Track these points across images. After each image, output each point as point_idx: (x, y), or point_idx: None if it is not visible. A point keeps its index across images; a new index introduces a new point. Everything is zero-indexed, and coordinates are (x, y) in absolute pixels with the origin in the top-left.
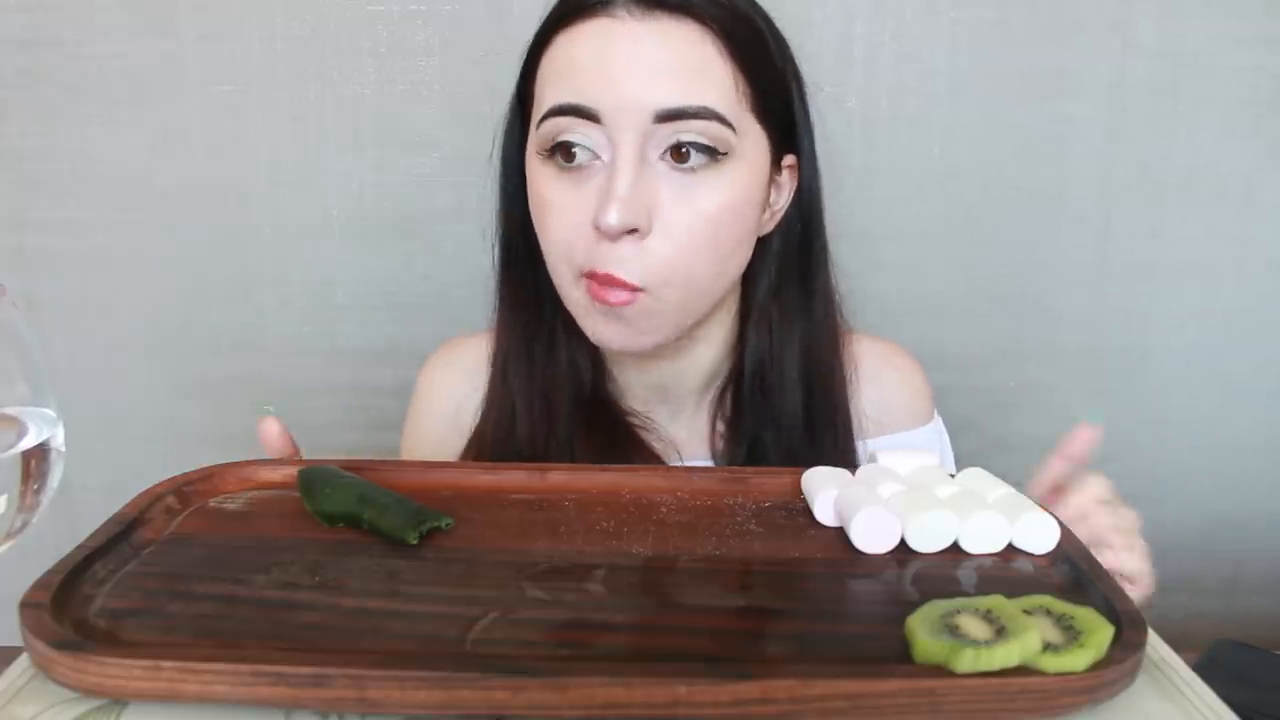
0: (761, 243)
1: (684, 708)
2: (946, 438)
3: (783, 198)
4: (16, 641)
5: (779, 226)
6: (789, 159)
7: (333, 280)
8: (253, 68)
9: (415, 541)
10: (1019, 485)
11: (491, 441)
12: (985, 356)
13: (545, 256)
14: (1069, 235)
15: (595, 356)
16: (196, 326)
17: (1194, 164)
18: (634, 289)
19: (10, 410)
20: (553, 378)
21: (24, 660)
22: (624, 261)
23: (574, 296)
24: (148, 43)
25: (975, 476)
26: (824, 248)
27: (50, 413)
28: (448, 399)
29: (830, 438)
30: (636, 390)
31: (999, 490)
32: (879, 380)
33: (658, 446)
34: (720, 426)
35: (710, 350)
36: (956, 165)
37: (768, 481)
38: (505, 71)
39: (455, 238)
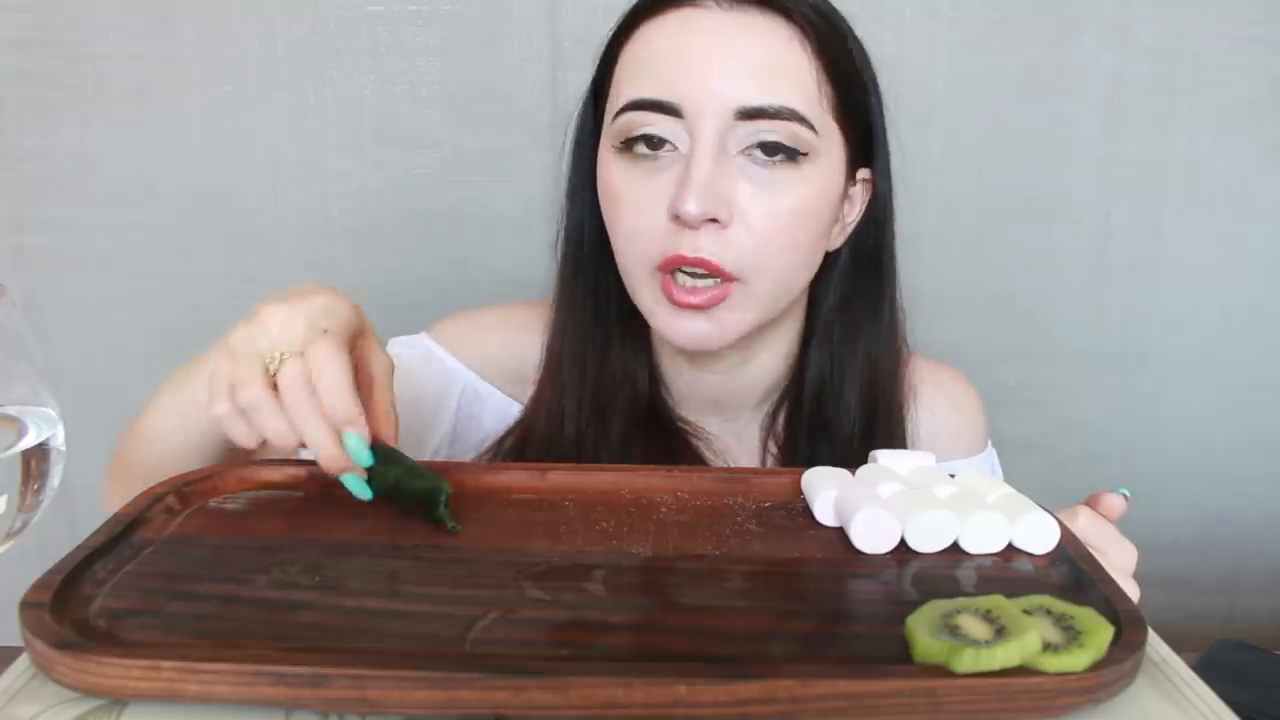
0: (829, 257)
1: (684, 708)
2: (999, 471)
3: (854, 211)
4: (16, 641)
5: (849, 241)
6: (863, 172)
7: (333, 280)
8: (253, 68)
9: (443, 511)
10: (1019, 485)
11: (541, 437)
12: (984, 356)
13: (618, 251)
14: (1068, 235)
15: (651, 364)
16: (196, 326)
17: (1193, 164)
18: (728, 277)
19: (10, 410)
20: (606, 382)
21: (24, 660)
22: (710, 250)
23: (646, 294)
24: (148, 43)
25: (975, 476)
26: (893, 266)
27: (50, 413)
28: (522, 338)
29: None
30: (690, 402)
31: (999, 490)
32: (932, 407)
33: (711, 458)
34: (772, 445)
35: (769, 365)
36: (956, 165)
37: (768, 481)
38: (506, 71)
39: (455, 238)
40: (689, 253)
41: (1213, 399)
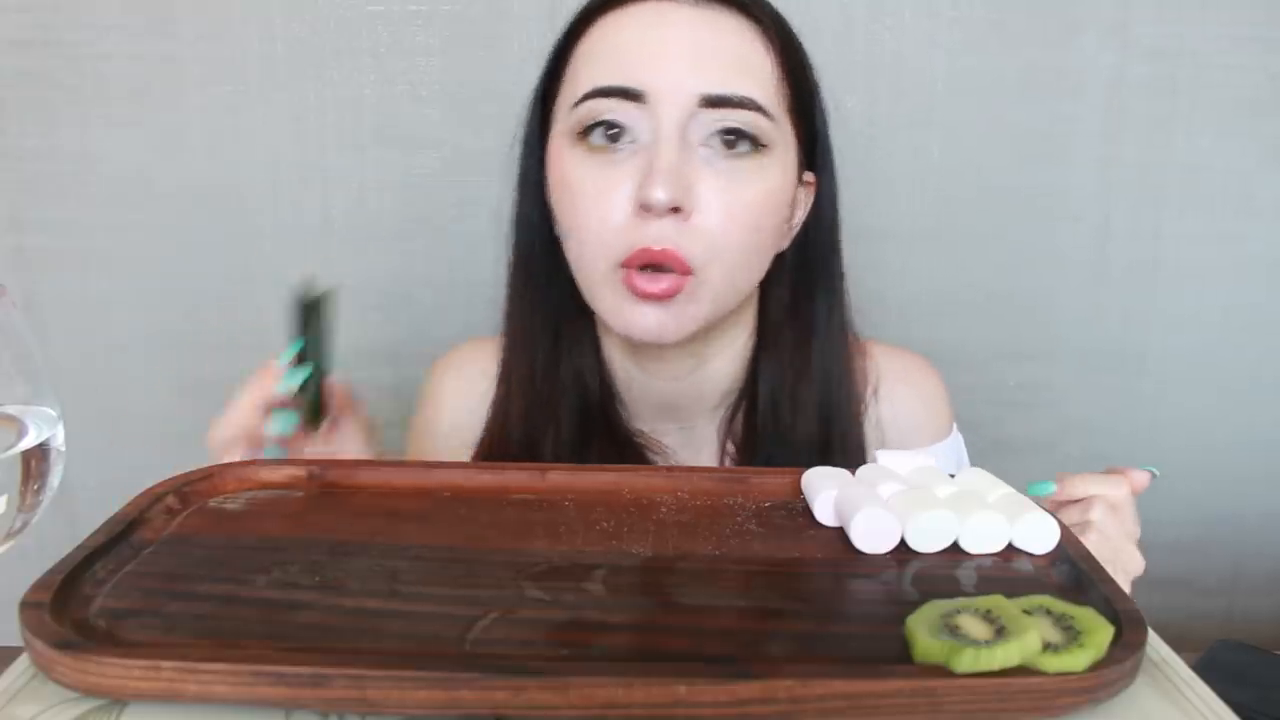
0: (777, 259)
1: (684, 708)
2: (965, 454)
3: (799, 214)
4: (16, 641)
5: (794, 243)
6: (808, 175)
7: (333, 280)
8: (253, 68)
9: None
10: (1019, 485)
11: (498, 448)
12: (984, 355)
13: (573, 248)
14: (1068, 235)
15: (602, 373)
16: (196, 326)
17: (1193, 164)
18: (686, 269)
19: (10, 410)
20: (557, 388)
21: (24, 660)
22: (673, 240)
23: (604, 292)
24: (148, 43)
25: (975, 476)
26: (840, 266)
27: (50, 413)
28: (455, 409)
29: (842, 459)
30: (643, 410)
31: (999, 490)
32: (892, 397)
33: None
34: (731, 448)
35: (722, 370)
36: (955, 165)
37: (768, 481)
38: (506, 71)
39: (456, 238)
40: (654, 245)
41: (1212, 399)
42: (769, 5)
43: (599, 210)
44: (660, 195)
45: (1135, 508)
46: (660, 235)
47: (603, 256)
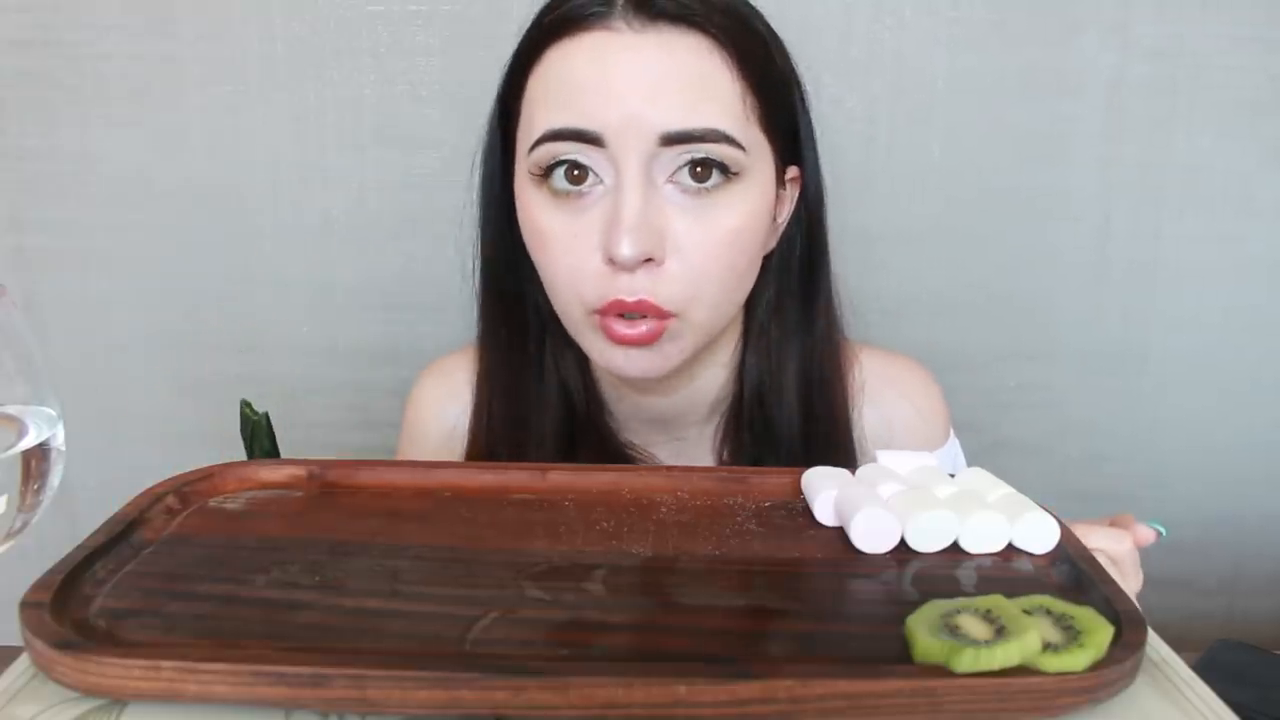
0: (763, 259)
1: (684, 708)
2: (963, 464)
3: (784, 211)
4: (16, 641)
5: (779, 241)
6: (791, 171)
7: (333, 280)
8: (253, 68)
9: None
10: (1019, 486)
11: (479, 457)
12: (984, 356)
13: (550, 291)
14: (1068, 235)
15: (589, 387)
16: (196, 326)
17: (1193, 164)
18: (664, 314)
19: (10, 410)
20: (541, 411)
21: (24, 660)
22: (647, 290)
23: (583, 332)
24: (148, 43)
25: (975, 476)
26: (827, 262)
27: (50, 412)
28: (441, 420)
29: (829, 461)
30: (634, 424)
31: (999, 490)
32: (881, 402)
33: None
34: (725, 455)
35: (713, 378)
36: (956, 165)
37: (768, 481)
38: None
39: (455, 238)
40: (627, 297)
41: (1212, 400)
42: (724, 9)
43: (569, 260)
44: (626, 252)
45: (1138, 561)
46: (633, 287)
47: (576, 304)
